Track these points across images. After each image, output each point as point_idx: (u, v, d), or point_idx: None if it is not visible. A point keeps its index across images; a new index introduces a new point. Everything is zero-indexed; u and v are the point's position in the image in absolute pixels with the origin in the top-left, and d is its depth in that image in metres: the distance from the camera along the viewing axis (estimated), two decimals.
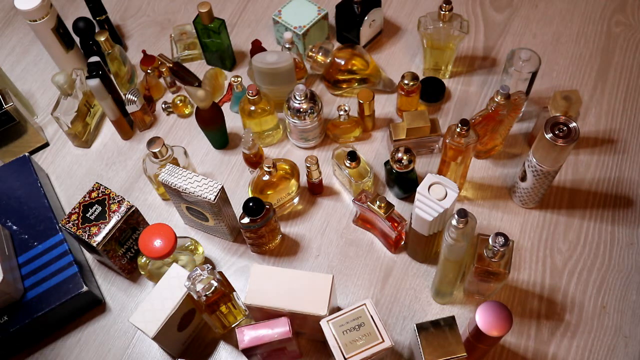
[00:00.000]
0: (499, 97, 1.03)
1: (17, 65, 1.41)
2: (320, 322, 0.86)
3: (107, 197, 1.03)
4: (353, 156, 1.08)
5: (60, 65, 1.31)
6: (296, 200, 1.16)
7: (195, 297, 0.90)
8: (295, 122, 1.15)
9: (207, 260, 1.12)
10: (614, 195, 1.14)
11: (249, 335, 0.89)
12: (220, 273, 0.93)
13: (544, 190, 1.07)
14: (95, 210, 1.02)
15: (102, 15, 1.32)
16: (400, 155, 1.05)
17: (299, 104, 1.13)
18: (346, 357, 0.83)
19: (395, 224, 1.02)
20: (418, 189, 0.93)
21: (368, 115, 1.20)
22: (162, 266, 1.04)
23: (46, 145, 1.28)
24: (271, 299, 0.90)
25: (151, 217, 1.17)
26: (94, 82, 1.12)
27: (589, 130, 1.22)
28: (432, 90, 1.25)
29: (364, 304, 0.86)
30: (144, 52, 1.34)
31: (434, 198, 0.92)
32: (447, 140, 1.01)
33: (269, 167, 1.05)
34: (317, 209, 1.16)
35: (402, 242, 1.09)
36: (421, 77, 1.28)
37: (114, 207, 1.02)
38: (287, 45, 1.22)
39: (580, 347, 1.00)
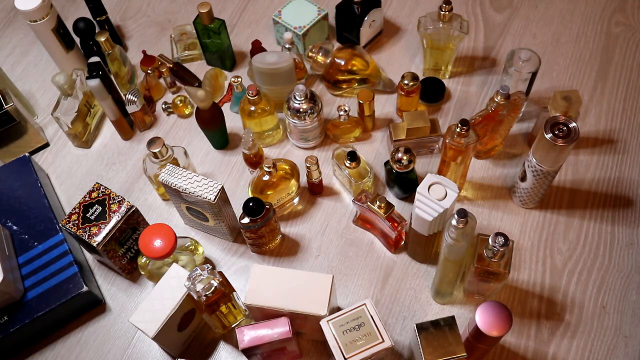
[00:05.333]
0: (499, 97, 1.03)
1: (18, 66, 1.41)
2: (320, 322, 0.86)
3: (107, 197, 1.03)
4: (353, 156, 1.08)
5: (60, 66, 1.31)
6: (296, 200, 1.16)
7: (195, 297, 0.90)
8: (295, 122, 1.15)
9: (207, 260, 1.12)
10: (614, 195, 1.14)
11: (249, 335, 0.89)
12: (220, 273, 0.93)
13: (544, 190, 1.07)
14: (95, 211, 1.02)
15: (103, 15, 1.32)
16: (400, 155, 1.05)
17: (299, 104, 1.13)
18: (346, 357, 0.83)
19: (395, 224, 1.02)
20: (418, 189, 0.93)
21: (368, 116, 1.20)
22: (162, 266, 1.04)
23: (46, 145, 1.28)
24: (271, 299, 0.90)
25: (151, 217, 1.17)
26: (94, 83, 1.12)
27: (589, 130, 1.22)
28: (432, 91, 1.25)
29: (364, 304, 0.86)
30: (144, 52, 1.34)
31: (434, 198, 0.92)
32: (447, 140, 1.01)
33: (269, 167, 1.05)
34: (317, 209, 1.16)
35: (402, 242, 1.09)
36: (421, 77, 1.28)
37: (114, 207, 1.02)
38: (287, 46, 1.22)
39: (580, 347, 1.00)
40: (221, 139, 1.23)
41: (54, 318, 1.03)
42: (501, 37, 1.36)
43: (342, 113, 1.16)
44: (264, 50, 1.31)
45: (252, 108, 1.15)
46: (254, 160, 1.14)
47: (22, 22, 1.48)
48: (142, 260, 1.05)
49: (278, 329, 0.89)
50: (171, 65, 1.32)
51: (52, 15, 1.21)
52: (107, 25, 1.35)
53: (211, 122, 1.16)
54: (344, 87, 1.27)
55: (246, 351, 0.90)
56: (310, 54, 1.25)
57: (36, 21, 1.19)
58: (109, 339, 1.06)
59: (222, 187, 1.00)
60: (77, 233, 1.00)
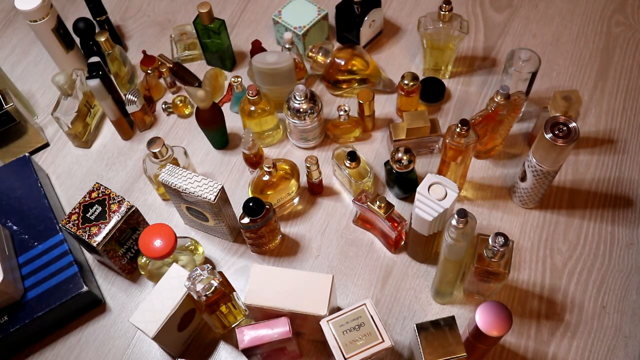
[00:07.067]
0: (499, 97, 1.03)
1: (18, 66, 1.41)
2: (320, 322, 0.86)
3: (107, 197, 1.03)
4: (353, 156, 1.08)
5: (60, 66, 1.31)
6: (296, 200, 1.16)
7: (195, 297, 0.90)
8: (295, 122, 1.15)
9: (207, 260, 1.12)
10: (614, 195, 1.14)
11: (249, 335, 0.89)
12: (220, 273, 0.93)
13: (544, 190, 1.07)
14: (95, 211, 1.02)
15: (103, 15, 1.32)
16: (400, 155, 1.05)
17: (299, 104, 1.13)
18: (346, 357, 0.83)
19: (395, 224, 1.02)
20: (418, 189, 0.93)
21: (368, 116, 1.20)
22: (162, 266, 1.04)
23: (46, 145, 1.28)
24: (271, 299, 0.90)
25: (151, 217, 1.17)
26: (94, 83, 1.12)
27: (589, 130, 1.22)
28: (432, 91, 1.25)
29: (364, 304, 0.86)
30: (144, 52, 1.34)
31: (434, 198, 0.92)
32: (447, 140, 1.01)
33: (269, 167, 1.05)
34: (317, 209, 1.16)
35: (402, 242, 1.09)
36: (421, 77, 1.28)
37: (114, 207, 1.02)
38: (287, 46, 1.22)
39: (580, 347, 1.00)
40: (221, 139, 1.23)
41: (54, 318, 1.03)
42: (501, 37, 1.36)
43: (342, 113, 1.16)
44: (264, 50, 1.31)
45: (252, 108, 1.15)
46: (254, 160, 1.14)
47: (22, 22, 1.48)
48: (142, 260, 1.05)
49: (278, 329, 0.89)
50: (171, 65, 1.32)
51: (52, 15, 1.21)
52: (107, 25, 1.35)
53: (211, 122, 1.16)
54: (344, 87, 1.27)
55: (246, 351, 0.90)
56: (310, 54, 1.25)
57: (36, 21, 1.19)
58: (109, 339, 1.06)
59: (222, 187, 1.00)
60: (77, 233, 1.00)
